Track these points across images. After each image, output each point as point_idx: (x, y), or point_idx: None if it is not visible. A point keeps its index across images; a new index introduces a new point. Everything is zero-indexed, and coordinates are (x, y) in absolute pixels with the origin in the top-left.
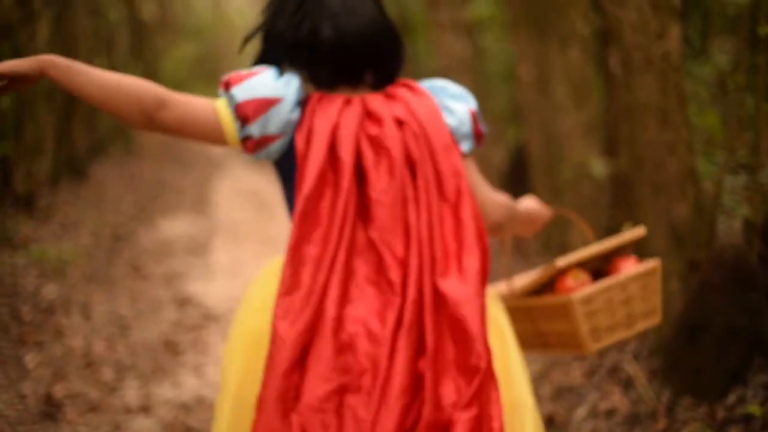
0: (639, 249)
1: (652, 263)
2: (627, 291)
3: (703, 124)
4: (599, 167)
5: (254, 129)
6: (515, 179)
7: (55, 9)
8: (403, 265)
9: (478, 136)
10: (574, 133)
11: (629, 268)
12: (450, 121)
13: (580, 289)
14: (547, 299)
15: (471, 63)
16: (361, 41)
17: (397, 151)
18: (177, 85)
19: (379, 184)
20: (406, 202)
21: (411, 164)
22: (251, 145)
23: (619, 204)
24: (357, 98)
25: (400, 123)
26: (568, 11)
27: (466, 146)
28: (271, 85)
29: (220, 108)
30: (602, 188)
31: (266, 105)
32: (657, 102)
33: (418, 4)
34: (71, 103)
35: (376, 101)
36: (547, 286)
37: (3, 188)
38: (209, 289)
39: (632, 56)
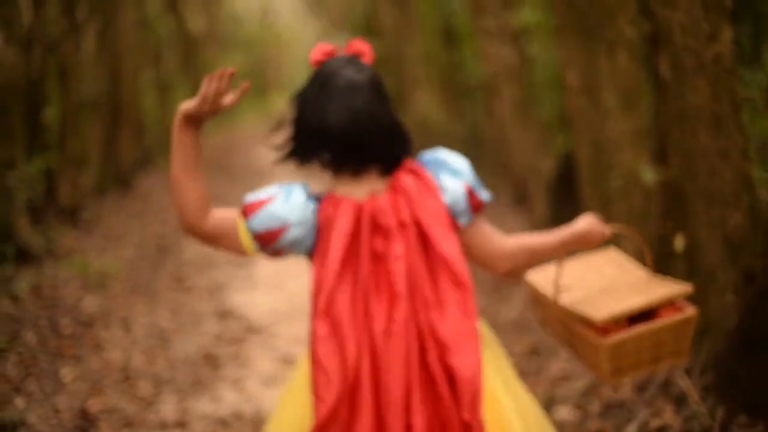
0: (693, 261)
1: (689, 312)
2: (659, 336)
3: (757, 130)
4: (650, 174)
5: (274, 248)
6: (563, 187)
7: (100, 22)
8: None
9: (476, 207)
10: (623, 140)
11: (667, 314)
12: (445, 199)
13: (615, 333)
14: (583, 331)
15: (518, 70)
16: (360, 139)
17: (400, 268)
18: None
19: (384, 305)
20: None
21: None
22: (274, 255)
23: (670, 213)
24: (367, 205)
25: (403, 225)
26: (616, 16)
27: (463, 221)
28: (279, 214)
29: (242, 234)
30: (653, 197)
31: (277, 234)
32: (709, 107)
33: (464, 11)
34: (117, 116)
35: (384, 204)
36: None
37: (47, 199)
38: (251, 300)
39: (683, 60)
